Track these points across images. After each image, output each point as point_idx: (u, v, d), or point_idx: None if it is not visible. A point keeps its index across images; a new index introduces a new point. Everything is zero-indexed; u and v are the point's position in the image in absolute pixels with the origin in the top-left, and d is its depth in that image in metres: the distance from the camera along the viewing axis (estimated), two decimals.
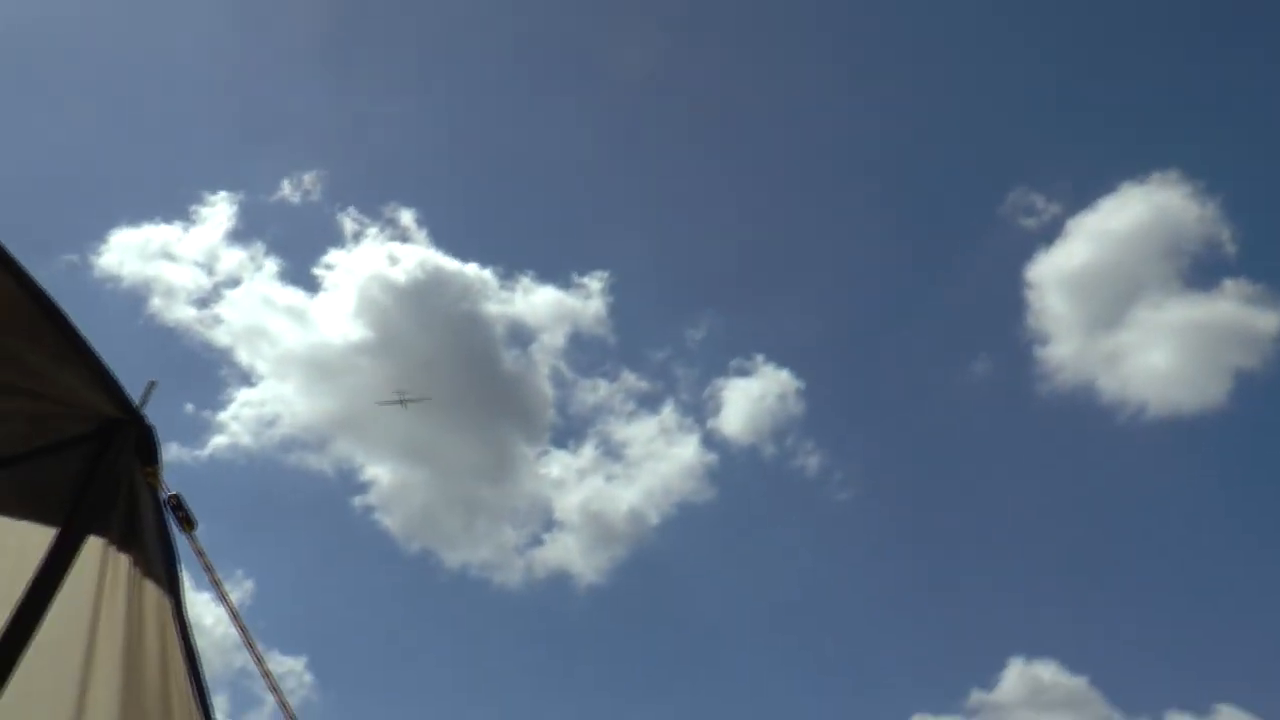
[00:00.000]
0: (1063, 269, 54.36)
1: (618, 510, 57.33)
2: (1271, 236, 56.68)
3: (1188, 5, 61.50)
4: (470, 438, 59.95)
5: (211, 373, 57.94)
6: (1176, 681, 56.44)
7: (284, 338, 61.03)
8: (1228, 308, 52.41)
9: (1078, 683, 46.15)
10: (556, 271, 72.77)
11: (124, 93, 64.38)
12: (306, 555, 61.27)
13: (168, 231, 58.88)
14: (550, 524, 58.85)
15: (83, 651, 2.83)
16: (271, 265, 62.79)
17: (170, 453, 3.03)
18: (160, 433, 2.94)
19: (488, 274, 59.21)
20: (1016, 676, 46.67)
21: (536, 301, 60.05)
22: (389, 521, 60.80)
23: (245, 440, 54.80)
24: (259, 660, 3.28)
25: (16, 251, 2.58)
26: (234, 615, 3.18)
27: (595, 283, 59.79)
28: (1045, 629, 53.75)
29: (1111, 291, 55.50)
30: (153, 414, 2.92)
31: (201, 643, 3.07)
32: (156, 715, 2.91)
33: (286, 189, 62.04)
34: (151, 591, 2.93)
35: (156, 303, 60.71)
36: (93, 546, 2.82)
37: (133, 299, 57.15)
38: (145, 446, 2.91)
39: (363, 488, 62.05)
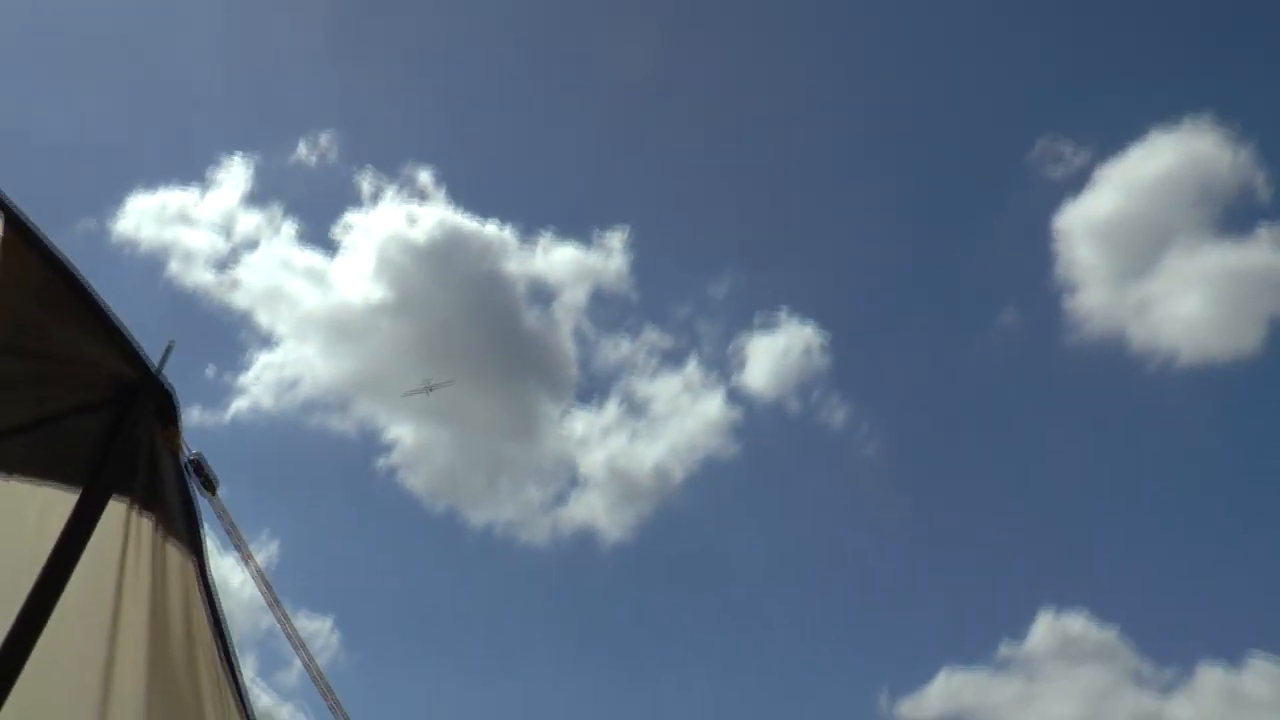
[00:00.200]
0: (1092, 217, 53.27)
1: (642, 467, 57.81)
2: None
3: None
4: (493, 397, 60.19)
5: (231, 336, 58.42)
6: (1208, 631, 56.61)
7: (303, 300, 61.24)
8: (1261, 254, 51.36)
9: (1108, 633, 46.44)
10: (577, 229, 72.25)
11: (139, 57, 64.37)
12: (332, 516, 61.88)
13: (184, 196, 59.28)
14: (575, 482, 59.61)
15: (109, 612, 2.87)
16: (289, 227, 63.34)
17: (192, 417, 3.05)
18: (181, 397, 2.95)
19: (507, 232, 58.95)
20: (1046, 627, 46.94)
21: (557, 259, 59.85)
22: (413, 481, 61.54)
23: (266, 403, 55.40)
24: (283, 620, 3.33)
25: (35, 219, 2.61)
26: (259, 575, 3.22)
27: (616, 239, 59.69)
28: (1075, 580, 54.03)
29: (1142, 239, 54.72)
30: (173, 378, 2.93)
31: (229, 604, 3.10)
32: (183, 675, 2.96)
33: (303, 150, 62.31)
34: (175, 553, 2.97)
35: (174, 267, 61.62)
36: (115, 509, 2.85)
37: (151, 264, 57.52)
38: (166, 409, 2.93)
39: (386, 448, 62.23)
